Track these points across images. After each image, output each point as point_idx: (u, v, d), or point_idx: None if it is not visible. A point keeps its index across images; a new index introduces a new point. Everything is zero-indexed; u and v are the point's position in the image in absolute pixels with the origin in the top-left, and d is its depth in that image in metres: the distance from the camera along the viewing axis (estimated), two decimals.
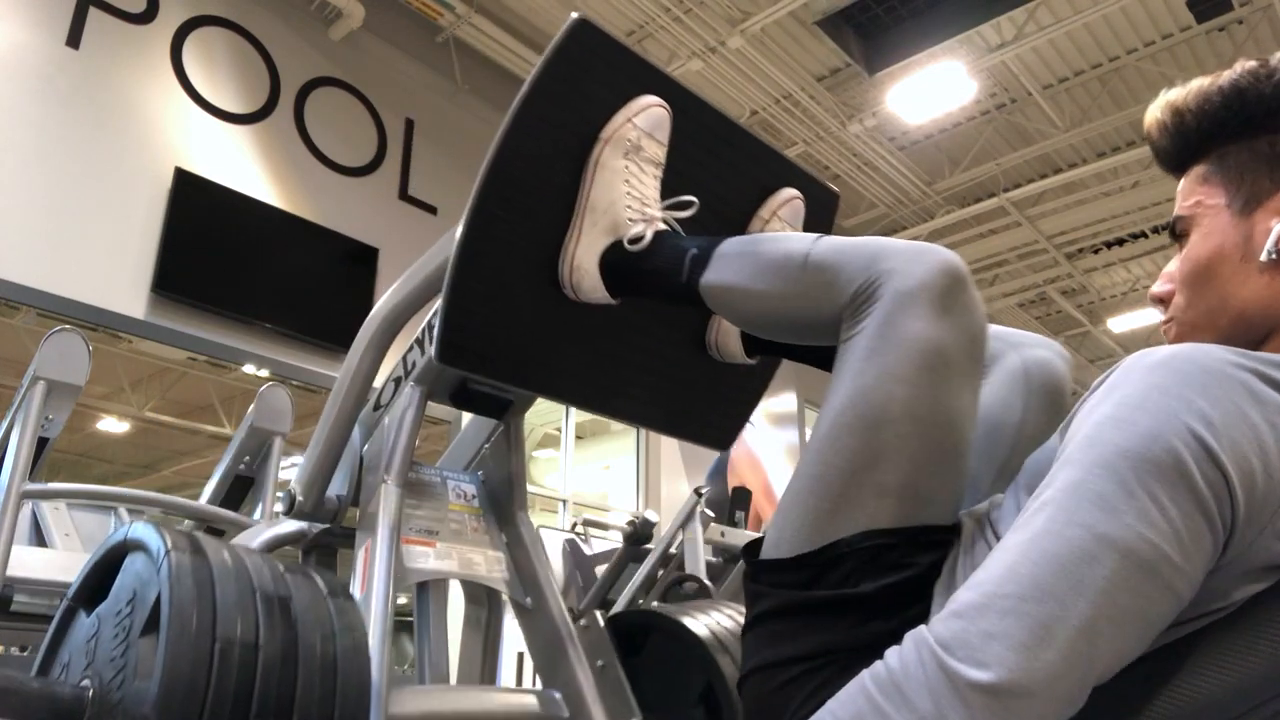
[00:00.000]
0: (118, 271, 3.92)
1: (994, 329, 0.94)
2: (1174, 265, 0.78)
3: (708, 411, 1.35)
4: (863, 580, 0.70)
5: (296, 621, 0.90)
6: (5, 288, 3.58)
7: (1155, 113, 0.78)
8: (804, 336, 0.92)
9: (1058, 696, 0.54)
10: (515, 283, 1.07)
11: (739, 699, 0.78)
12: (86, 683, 0.88)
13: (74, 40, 4.02)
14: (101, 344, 4.15)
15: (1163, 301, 0.78)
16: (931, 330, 0.74)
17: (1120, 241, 7.07)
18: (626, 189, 1.04)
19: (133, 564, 0.96)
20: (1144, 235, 6.98)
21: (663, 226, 1.03)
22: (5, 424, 1.86)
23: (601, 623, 1.33)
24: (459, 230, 1.03)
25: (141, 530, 0.96)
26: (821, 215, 1.32)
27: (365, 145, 5.00)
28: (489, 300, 1.06)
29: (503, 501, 1.31)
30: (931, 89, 5.46)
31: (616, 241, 1.03)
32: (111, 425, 7.28)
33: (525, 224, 1.05)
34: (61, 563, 2.02)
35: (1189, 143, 0.76)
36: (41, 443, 1.92)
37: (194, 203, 4.18)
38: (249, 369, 4.37)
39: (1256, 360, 0.60)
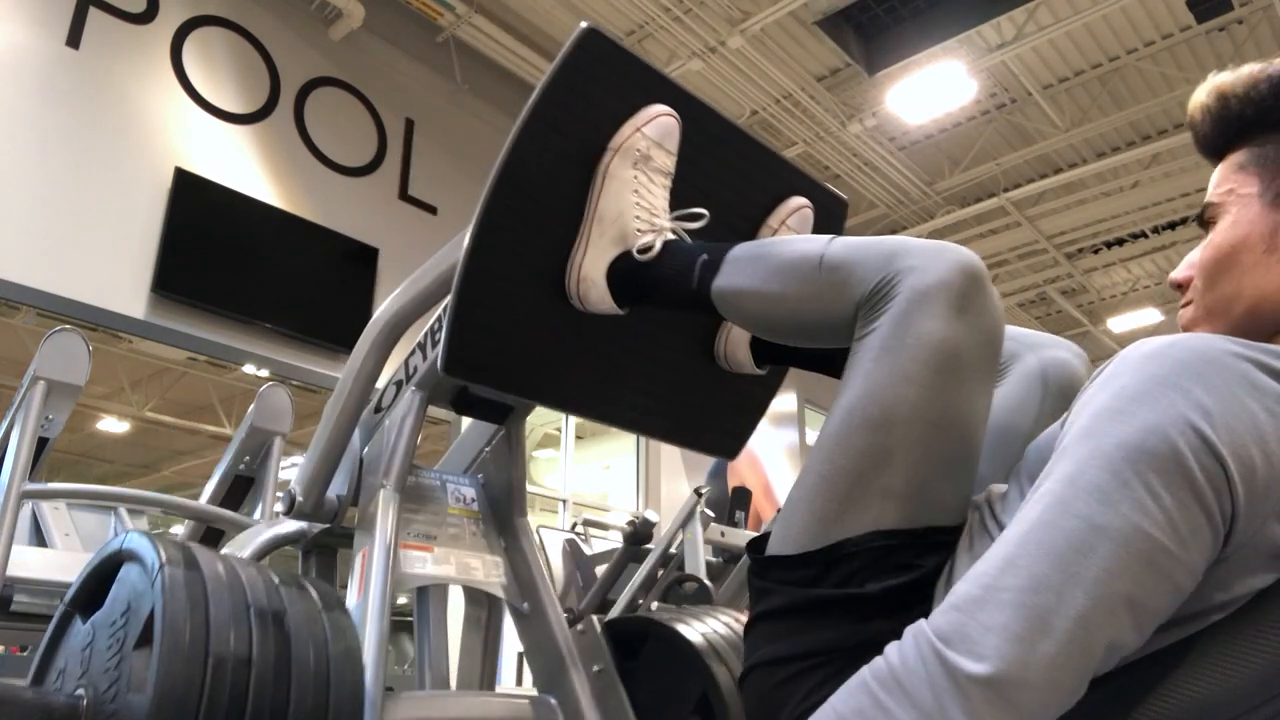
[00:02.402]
0: (118, 271, 3.92)
1: (1011, 330, 0.93)
2: (1197, 253, 0.77)
3: (715, 420, 1.34)
4: (868, 580, 0.70)
5: (290, 634, 0.90)
6: (5, 288, 3.58)
7: (1200, 96, 0.77)
8: (816, 338, 0.91)
9: (1056, 687, 0.54)
10: (521, 293, 1.05)
11: (738, 699, 0.78)
12: (81, 692, 0.88)
13: (74, 40, 4.02)
14: (101, 344, 4.15)
15: (1181, 287, 0.78)
16: (947, 330, 0.73)
17: (1120, 241, 7.07)
18: (635, 199, 1.03)
19: (128, 575, 0.96)
20: (1144, 235, 6.98)
21: (672, 237, 1.02)
22: (5, 424, 1.86)
23: (598, 628, 1.33)
24: (466, 240, 1.01)
25: (136, 541, 0.95)
26: (830, 223, 1.30)
27: (365, 145, 5.00)
28: (495, 311, 1.05)
29: (502, 507, 1.31)
30: (931, 89, 5.46)
31: (625, 252, 1.02)
32: (111, 425, 7.28)
33: (532, 234, 1.03)
34: (61, 563, 2.03)
35: (1230, 127, 0.76)
36: (41, 443, 1.92)
37: (194, 203, 4.18)
38: (249, 369, 4.37)
39: (1256, 350, 0.60)
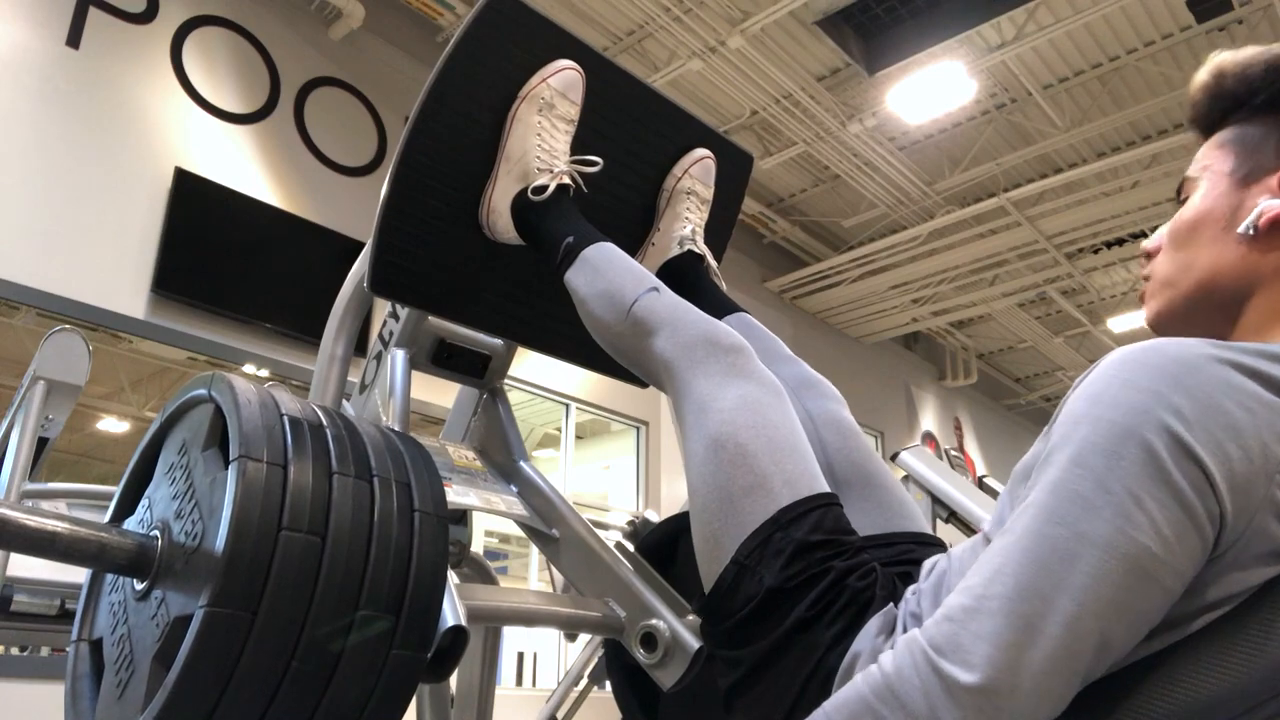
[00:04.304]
0: (118, 271, 3.92)
1: (790, 372, 1.13)
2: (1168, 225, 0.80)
3: None
4: (764, 577, 0.76)
5: (364, 434, 0.89)
6: (5, 288, 3.59)
7: (1201, 73, 0.79)
8: (622, 362, 1.04)
9: (1047, 694, 0.55)
10: (441, 222, 1.18)
11: None
12: (155, 533, 0.86)
13: (74, 40, 4.02)
14: (101, 344, 4.15)
15: (1150, 256, 0.80)
16: (735, 387, 0.88)
17: (1120, 241, 7.06)
18: (538, 141, 1.15)
19: (175, 434, 0.95)
20: (1144, 235, 6.97)
21: (567, 180, 1.14)
22: (5, 424, 1.86)
23: (632, 550, 1.34)
24: (389, 174, 1.13)
25: (178, 401, 0.94)
26: (735, 174, 1.45)
27: (365, 145, 5.01)
28: (416, 238, 1.17)
29: (503, 461, 1.31)
30: (931, 89, 5.46)
31: (524, 189, 1.14)
32: (111, 425, 7.28)
33: (450, 169, 1.16)
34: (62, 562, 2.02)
35: (1221, 105, 0.77)
36: (41, 443, 1.92)
37: (194, 203, 4.18)
38: (249, 369, 4.37)
39: (1233, 350, 0.61)
